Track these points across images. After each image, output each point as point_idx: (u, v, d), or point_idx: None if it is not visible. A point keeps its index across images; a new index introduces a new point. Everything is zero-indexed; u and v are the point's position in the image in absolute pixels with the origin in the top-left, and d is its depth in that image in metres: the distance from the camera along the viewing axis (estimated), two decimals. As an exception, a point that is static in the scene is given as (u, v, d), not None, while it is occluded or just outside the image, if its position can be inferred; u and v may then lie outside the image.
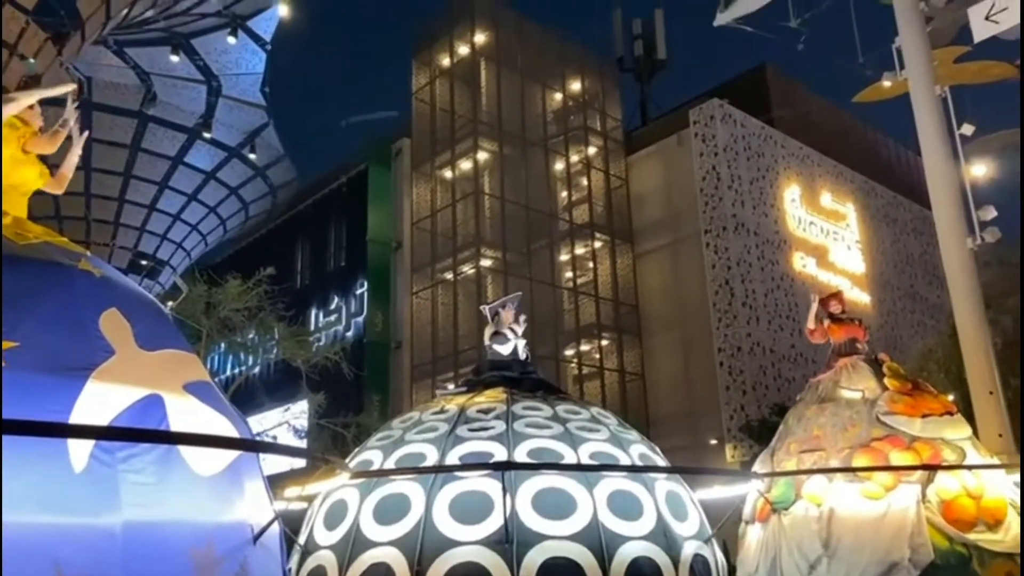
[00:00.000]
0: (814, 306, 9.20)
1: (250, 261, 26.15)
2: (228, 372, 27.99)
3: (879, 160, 36.81)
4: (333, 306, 31.26)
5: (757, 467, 8.51)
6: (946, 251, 10.56)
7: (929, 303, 33.80)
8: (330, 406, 17.28)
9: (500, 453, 6.18)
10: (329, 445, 15.57)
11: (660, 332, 28.72)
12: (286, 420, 19.85)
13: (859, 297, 30.57)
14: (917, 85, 11.16)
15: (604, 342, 28.91)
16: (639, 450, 6.78)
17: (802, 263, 29.76)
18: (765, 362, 26.72)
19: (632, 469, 6.31)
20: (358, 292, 30.25)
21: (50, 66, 20.03)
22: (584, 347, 28.68)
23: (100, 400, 3.41)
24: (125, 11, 21.92)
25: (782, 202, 29.96)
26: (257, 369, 24.86)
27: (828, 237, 31.38)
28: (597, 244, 29.90)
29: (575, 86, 31.51)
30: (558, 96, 31.07)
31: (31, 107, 4.47)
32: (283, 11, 26.23)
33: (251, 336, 16.21)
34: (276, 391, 22.71)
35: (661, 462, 6.97)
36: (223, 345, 16.24)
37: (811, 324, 9.19)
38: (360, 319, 29.72)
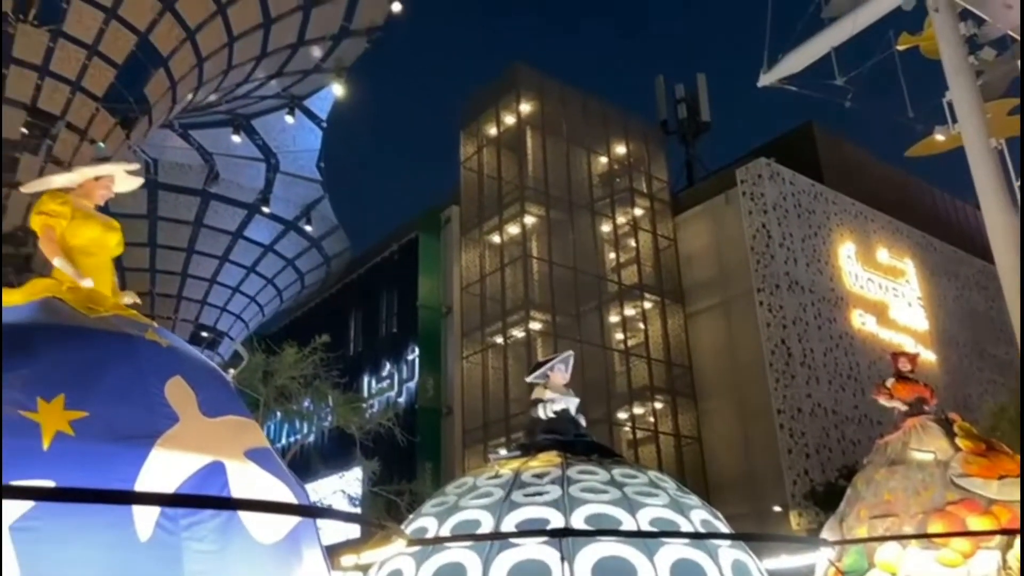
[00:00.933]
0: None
1: (305, 330, 26.58)
2: (283, 440, 28.25)
3: (936, 214, 36.05)
4: (385, 372, 31.49)
5: (826, 534, 8.15)
6: (1012, 306, 10.20)
7: (997, 360, 32.44)
8: (383, 473, 17.24)
9: (557, 519, 6.06)
10: (383, 512, 15.47)
11: (716, 394, 28.10)
12: (341, 488, 19.84)
13: (924, 355, 29.54)
14: (971, 139, 11.00)
15: (658, 405, 28.38)
16: (701, 516, 6.57)
17: (861, 321, 29.00)
18: (827, 424, 25.85)
19: (696, 536, 6.11)
20: (409, 358, 30.45)
21: (119, 150, 21.15)
22: (637, 410, 28.19)
23: (165, 467, 3.48)
24: (190, 96, 23.16)
25: (837, 259, 29.45)
26: (312, 437, 25.03)
27: (887, 294, 30.61)
28: (647, 305, 29.68)
29: (620, 150, 31.86)
30: (603, 160, 31.43)
31: (97, 179, 4.61)
32: (338, 91, 27.39)
33: (306, 404, 16.37)
34: (330, 458, 22.79)
35: (724, 529, 6.73)
36: (278, 413, 16.44)
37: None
38: (412, 385, 29.83)
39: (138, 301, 4.82)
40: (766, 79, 13.51)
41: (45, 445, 3.28)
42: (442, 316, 29.89)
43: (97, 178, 4.59)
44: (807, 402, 25.68)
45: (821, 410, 25.92)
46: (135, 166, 4.83)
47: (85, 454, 3.33)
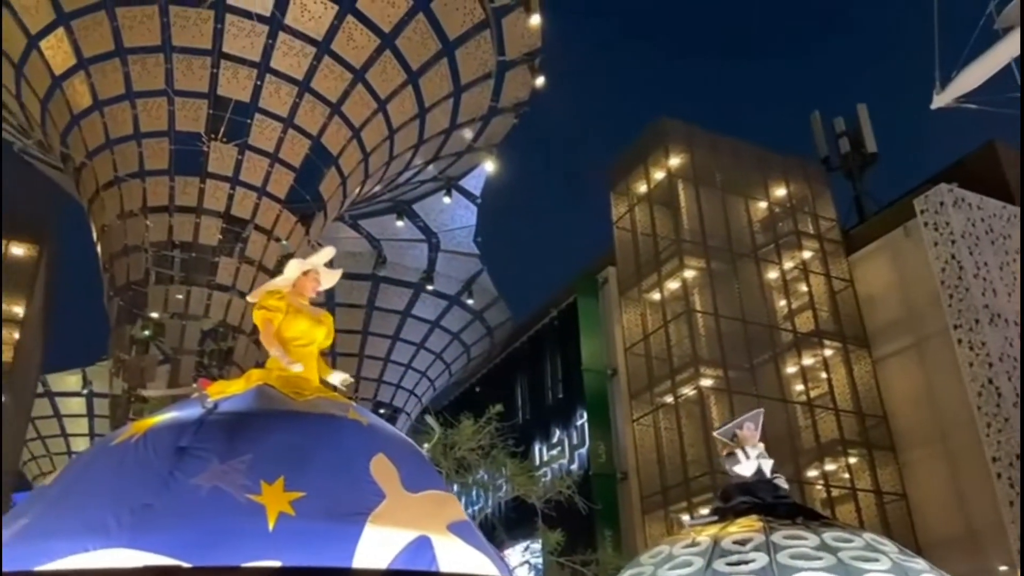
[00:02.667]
0: None
1: (474, 401, 27.08)
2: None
3: None
4: (555, 439, 31.32)
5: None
6: None
7: None
8: (564, 542, 16.96)
9: (766, 589, 5.64)
10: (570, 584, 15.19)
11: (917, 444, 25.58)
12: (524, 559, 19.72)
13: None
14: None
15: (852, 460, 26.22)
16: (931, 582, 5.89)
17: (1081, 352, 25.61)
18: (1055, 471, 22.75)
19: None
20: (578, 423, 30.15)
21: (300, 245, 23.05)
22: (829, 466, 26.17)
23: (378, 543, 3.56)
24: (358, 189, 24.99)
25: (1043, 285, 26.38)
26: (488, 508, 25.20)
27: (1110, 319, 26.91)
28: (828, 352, 27.83)
29: (780, 192, 30.65)
30: (762, 205, 30.34)
31: (305, 274, 5.02)
32: (489, 168, 28.58)
33: (482, 474, 16.55)
34: (508, 529, 22.80)
35: (959, 596, 5.98)
36: (455, 485, 16.71)
37: None
38: (583, 451, 29.43)
39: (349, 379, 5.11)
40: (940, 100, 12.57)
41: (270, 526, 3.45)
42: (608, 379, 29.49)
43: (305, 273, 4.99)
44: (1020, 446, 22.78)
45: (1046, 456, 22.89)
46: (332, 252, 5.21)
47: (306, 533, 3.47)
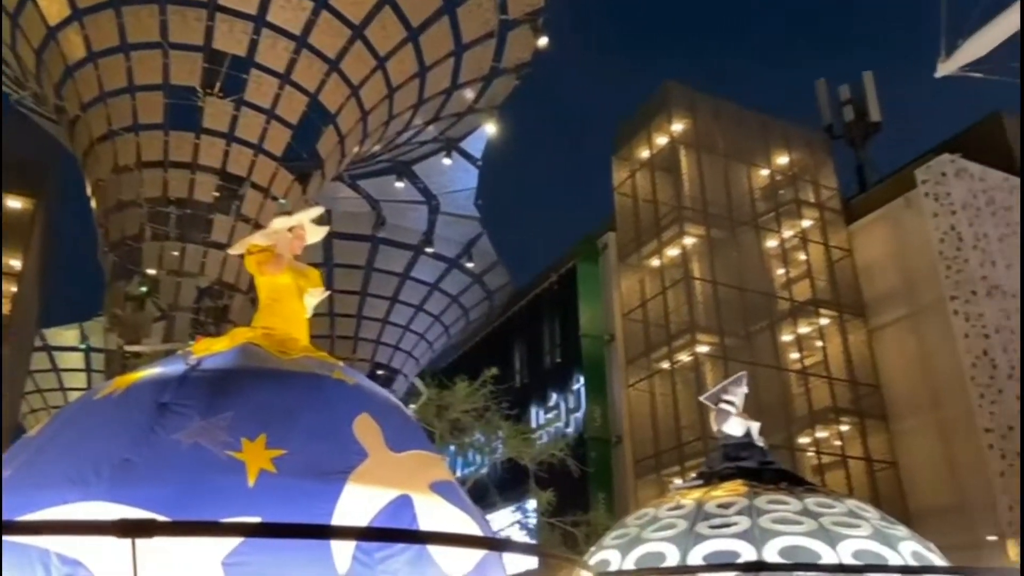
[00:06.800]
0: None
1: (473, 364, 27.09)
2: (458, 473, 28.93)
3: None
4: (552, 403, 31.55)
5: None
6: None
7: None
8: (556, 504, 17.18)
9: (747, 552, 5.70)
10: (560, 544, 15.38)
11: (910, 414, 25.76)
12: (516, 519, 19.95)
13: None
14: None
15: (844, 427, 26.42)
16: (911, 548, 5.95)
17: (1078, 325, 25.63)
18: (1046, 443, 22.92)
19: (907, 571, 5.53)
20: (575, 388, 30.35)
21: (297, 204, 22.93)
22: (821, 434, 26.39)
23: (358, 502, 3.57)
24: (356, 149, 24.78)
25: (1042, 258, 26.29)
26: (484, 469, 25.45)
27: (1109, 293, 26.86)
28: (824, 321, 27.88)
29: (782, 160, 30.44)
30: (764, 172, 30.14)
31: (291, 230, 4.95)
32: (491, 130, 28.31)
33: (477, 436, 16.67)
34: (504, 490, 23.07)
35: (939, 562, 6.05)
36: (451, 447, 16.87)
37: None
38: (579, 415, 29.66)
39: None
40: (945, 68, 12.40)
41: (251, 482, 3.46)
42: (605, 344, 29.60)
43: (290, 229, 4.92)
44: (1019, 419, 22.94)
45: (1037, 428, 23.05)
46: (319, 211, 5.14)
47: (286, 490, 3.48)
